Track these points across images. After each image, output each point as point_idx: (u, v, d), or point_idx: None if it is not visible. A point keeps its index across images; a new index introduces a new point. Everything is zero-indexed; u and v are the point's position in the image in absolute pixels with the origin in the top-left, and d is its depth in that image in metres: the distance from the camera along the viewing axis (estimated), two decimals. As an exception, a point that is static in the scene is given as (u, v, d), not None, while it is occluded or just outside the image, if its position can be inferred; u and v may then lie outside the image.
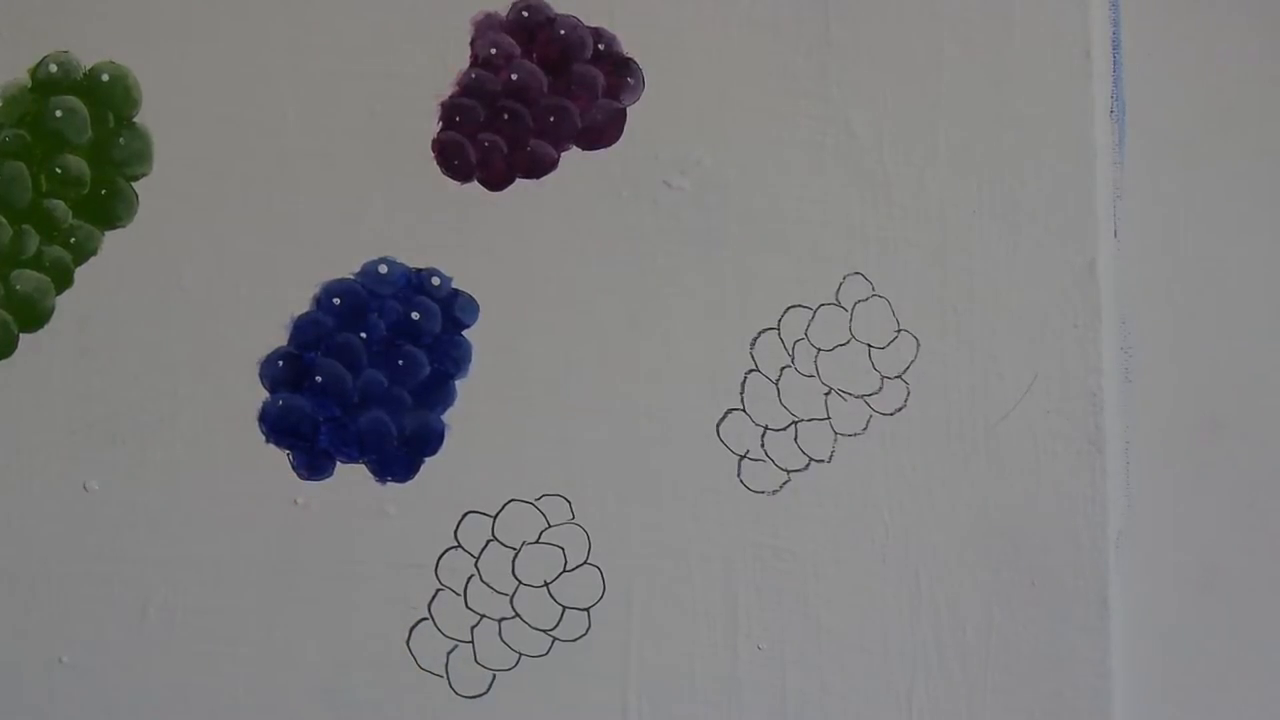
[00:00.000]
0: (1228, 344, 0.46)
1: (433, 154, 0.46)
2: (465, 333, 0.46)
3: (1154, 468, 0.46)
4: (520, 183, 0.46)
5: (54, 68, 0.46)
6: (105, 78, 0.46)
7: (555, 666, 0.45)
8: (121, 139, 0.46)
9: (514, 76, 0.46)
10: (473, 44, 0.46)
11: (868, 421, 0.45)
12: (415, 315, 0.46)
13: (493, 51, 0.46)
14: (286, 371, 0.46)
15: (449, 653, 0.45)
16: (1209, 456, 0.46)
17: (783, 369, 0.45)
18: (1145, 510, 0.46)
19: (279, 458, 0.45)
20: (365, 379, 0.45)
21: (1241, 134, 0.47)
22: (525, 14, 0.46)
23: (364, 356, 0.46)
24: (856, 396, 0.45)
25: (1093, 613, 0.44)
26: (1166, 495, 0.46)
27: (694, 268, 0.46)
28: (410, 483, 0.45)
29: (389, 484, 0.45)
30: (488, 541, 0.45)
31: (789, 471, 0.45)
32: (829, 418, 0.45)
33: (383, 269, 0.46)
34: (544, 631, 0.45)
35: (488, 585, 0.45)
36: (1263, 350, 0.46)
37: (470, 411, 0.46)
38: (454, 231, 0.46)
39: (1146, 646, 0.46)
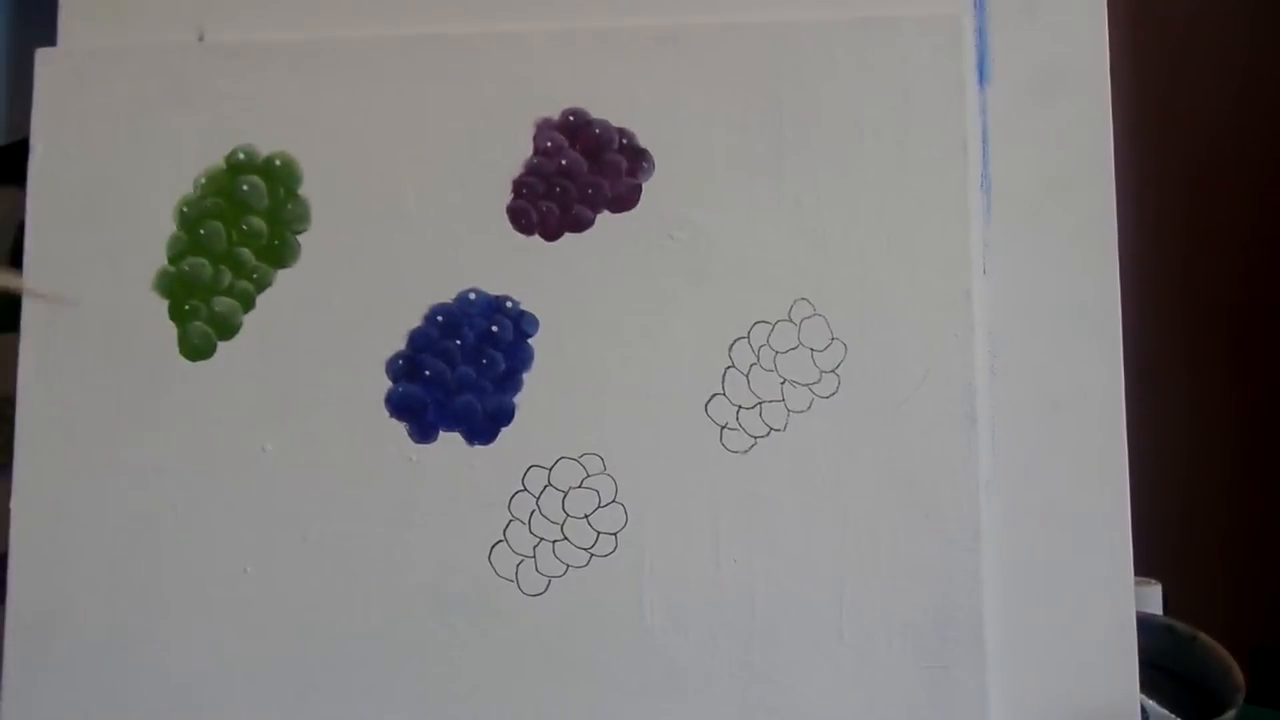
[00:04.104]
0: (1063, 347, 0.50)
1: (507, 216, 0.51)
2: (530, 340, 0.50)
3: (1012, 436, 0.50)
4: (568, 236, 0.50)
5: (242, 155, 0.52)
6: (278, 163, 0.51)
7: (593, 574, 0.49)
8: (289, 206, 0.51)
9: (564, 162, 0.50)
10: (535, 139, 0.51)
11: (811, 403, 0.49)
12: (495, 329, 0.50)
13: (549, 144, 0.50)
14: (405, 369, 0.50)
15: (518, 565, 0.49)
16: (1051, 428, 0.50)
17: (751, 365, 0.49)
18: (1004, 466, 0.49)
19: (399, 429, 0.50)
20: (460, 373, 0.50)
21: (1067, 201, 0.50)
22: (572, 118, 0.51)
23: (459, 358, 0.50)
24: (803, 385, 0.49)
25: (968, 537, 0.48)
26: (1020, 456, 0.50)
27: (688, 295, 0.50)
28: (490, 445, 0.50)
29: (475, 446, 0.50)
30: (545, 487, 0.50)
31: (756, 437, 0.49)
32: (784, 400, 0.49)
33: (472, 296, 0.50)
34: (584, 550, 0.49)
35: (545, 517, 0.50)
36: (1086, 352, 0.50)
37: (533, 395, 0.50)
38: (522, 270, 0.50)
39: (1004, 562, 0.49)
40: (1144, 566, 0.60)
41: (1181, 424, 0.82)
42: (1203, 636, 0.58)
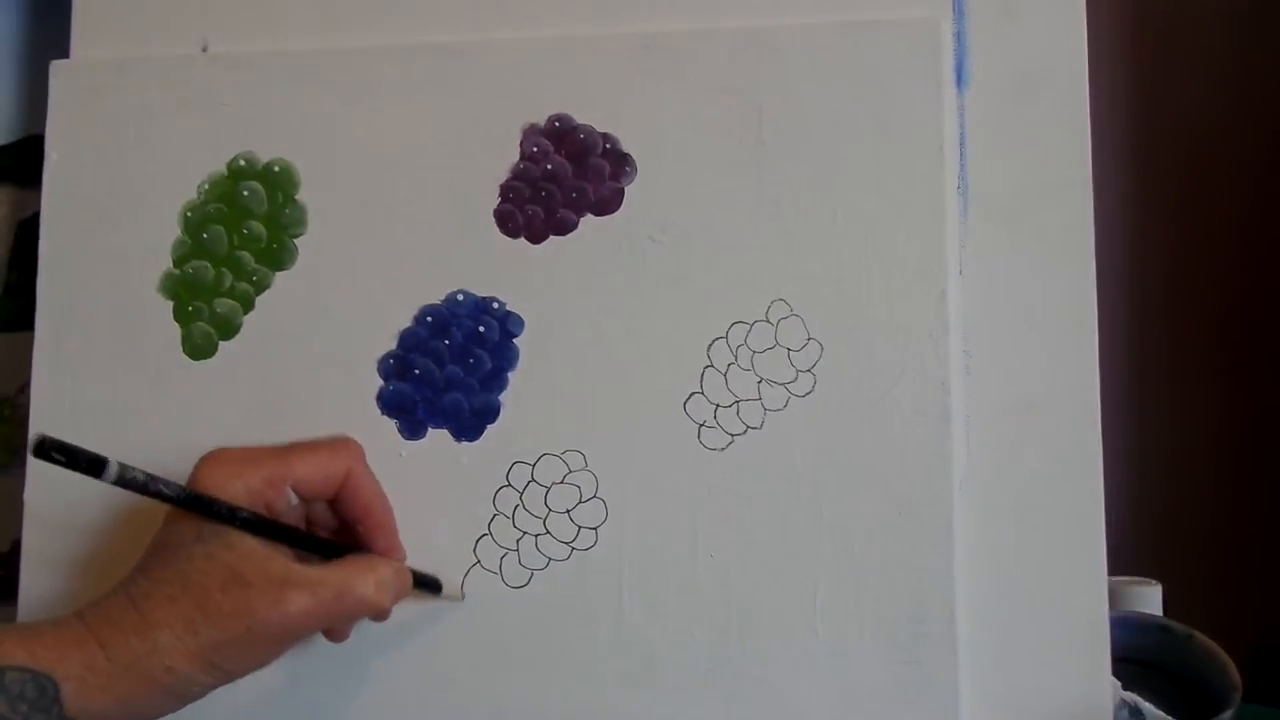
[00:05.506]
0: (1036, 349, 0.50)
1: (494, 220, 0.52)
2: (515, 340, 0.51)
3: (985, 435, 0.50)
4: (553, 239, 0.51)
5: (243, 162, 0.53)
6: (277, 169, 0.53)
7: (573, 567, 0.50)
8: (287, 210, 0.53)
9: (549, 166, 0.51)
10: (521, 145, 0.52)
11: (787, 401, 0.50)
12: (481, 329, 0.51)
13: (535, 149, 0.51)
14: (395, 367, 0.52)
15: (501, 557, 0.50)
16: (1024, 427, 0.50)
17: (729, 365, 0.50)
18: (979, 464, 0.50)
19: (390, 425, 0.51)
20: (448, 372, 0.51)
21: (1045, 204, 0.51)
22: (557, 124, 0.52)
23: (447, 357, 0.51)
24: (780, 384, 0.50)
25: (941, 535, 0.48)
26: (994, 454, 0.50)
27: (669, 295, 0.51)
28: (477, 442, 0.51)
29: (462, 443, 0.51)
30: (528, 482, 0.51)
31: (733, 436, 0.50)
32: (760, 398, 0.50)
33: (460, 297, 0.51)
34: (565, 544, 0.50)
35: (528, 512, 0.50)
36: (1061, 353, 0.50)
37: (518, 393, 0.51)
38: (508, 271, 0.51)
39: (979, 559, 0.49)
40: (1144, 566, 0.62)
41: (1181, 424, 0.82)
42: (1199, 636, 0.58)
